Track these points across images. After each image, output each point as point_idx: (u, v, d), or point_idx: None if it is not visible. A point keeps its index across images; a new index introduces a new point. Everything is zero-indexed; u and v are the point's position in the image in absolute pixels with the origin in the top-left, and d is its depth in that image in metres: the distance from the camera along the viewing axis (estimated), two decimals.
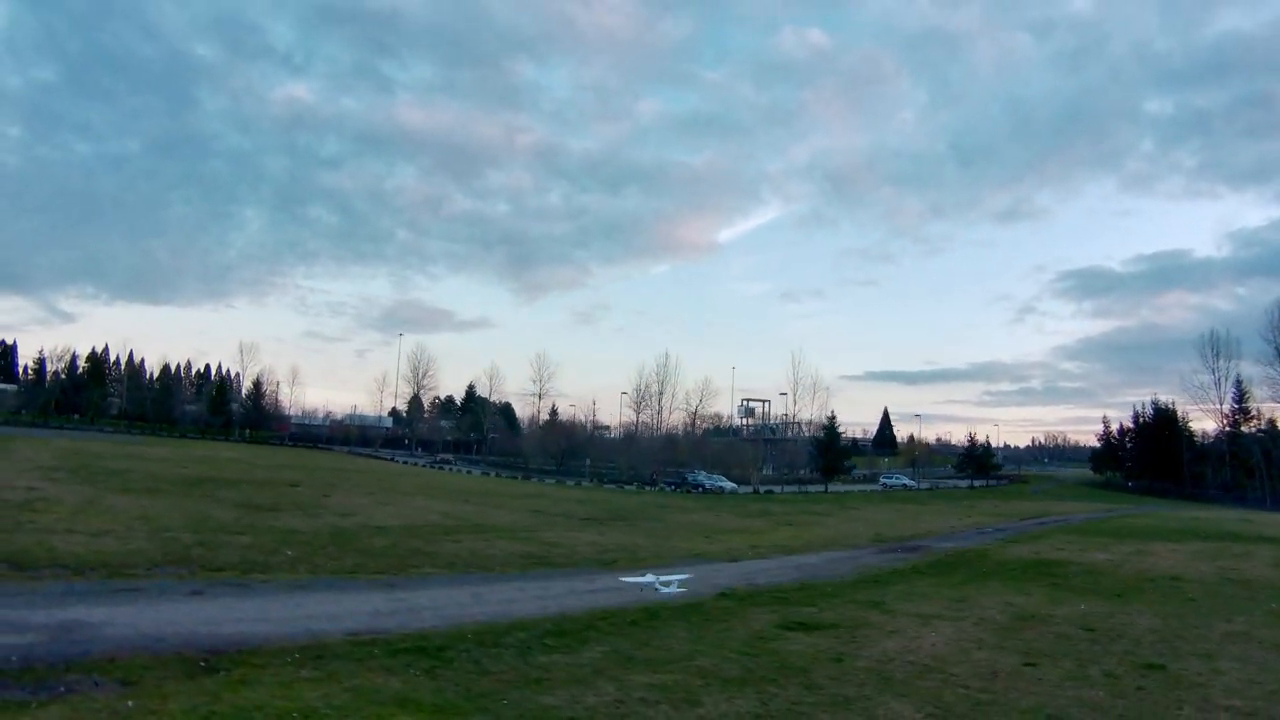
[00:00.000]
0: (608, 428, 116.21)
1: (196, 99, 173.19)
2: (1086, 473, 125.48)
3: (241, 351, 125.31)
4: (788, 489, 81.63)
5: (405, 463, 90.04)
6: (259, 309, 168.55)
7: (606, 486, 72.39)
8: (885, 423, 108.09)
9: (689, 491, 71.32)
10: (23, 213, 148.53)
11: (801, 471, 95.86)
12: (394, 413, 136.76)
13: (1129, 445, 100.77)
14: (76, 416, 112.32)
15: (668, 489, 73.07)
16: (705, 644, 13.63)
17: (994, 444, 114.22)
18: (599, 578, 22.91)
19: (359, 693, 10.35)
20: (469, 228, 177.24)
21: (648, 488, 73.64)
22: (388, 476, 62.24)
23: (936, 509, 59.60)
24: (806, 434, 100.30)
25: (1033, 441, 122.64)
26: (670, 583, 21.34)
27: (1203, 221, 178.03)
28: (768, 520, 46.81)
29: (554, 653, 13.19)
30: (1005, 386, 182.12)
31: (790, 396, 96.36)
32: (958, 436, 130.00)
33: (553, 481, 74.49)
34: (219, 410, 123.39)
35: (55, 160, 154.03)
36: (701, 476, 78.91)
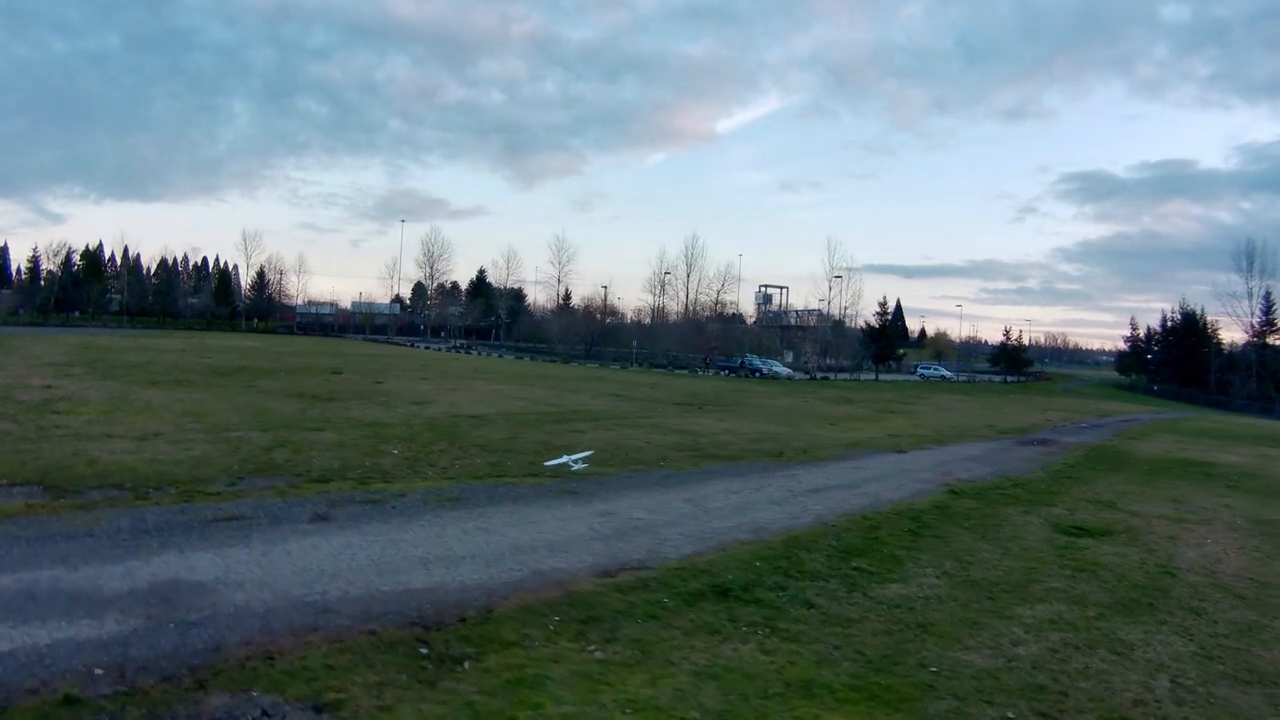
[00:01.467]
0: (620, 314, 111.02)
1: None
2: (1105, 374, 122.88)
3: (245, 239, 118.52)
4: (840, 376, 79.68)
5: (427, 348, 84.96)
6: (251, 202, 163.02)
7: (655, 370, 69.66)
8: (898, 314, 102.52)
9: (747, 376, 68.39)
10: (4, 115, 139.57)
11: (836, 360, 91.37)
12: (398, 299, 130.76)
13: (1156, 349, 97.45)
14: (77, 314, 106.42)
15: (722, 374, 70.10)
16: (1015, 555, 11.61)
17: (988, 340, 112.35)
18: (782, 472, 19.06)
19: (720, 679, 6.33)
20: (463, 117, 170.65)
21: (700, 372, 71.38)
22: (427, 361, 57.32)
23: (1007, 401, 56.14)
24: (846, 322, 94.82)
25: (1031, 341, 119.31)
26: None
27: (1212, 132, 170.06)
28: (864, 407, 43.25)
29: (880, 578, 9.78)
30: (1003, 285, 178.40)
31: (826, 284, 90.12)
32: (954, 332, 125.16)
33: (596, 365, 70.17)
34: (224, 300, 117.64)
35: (33, 59, 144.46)
36: (757, 361, 75.86)
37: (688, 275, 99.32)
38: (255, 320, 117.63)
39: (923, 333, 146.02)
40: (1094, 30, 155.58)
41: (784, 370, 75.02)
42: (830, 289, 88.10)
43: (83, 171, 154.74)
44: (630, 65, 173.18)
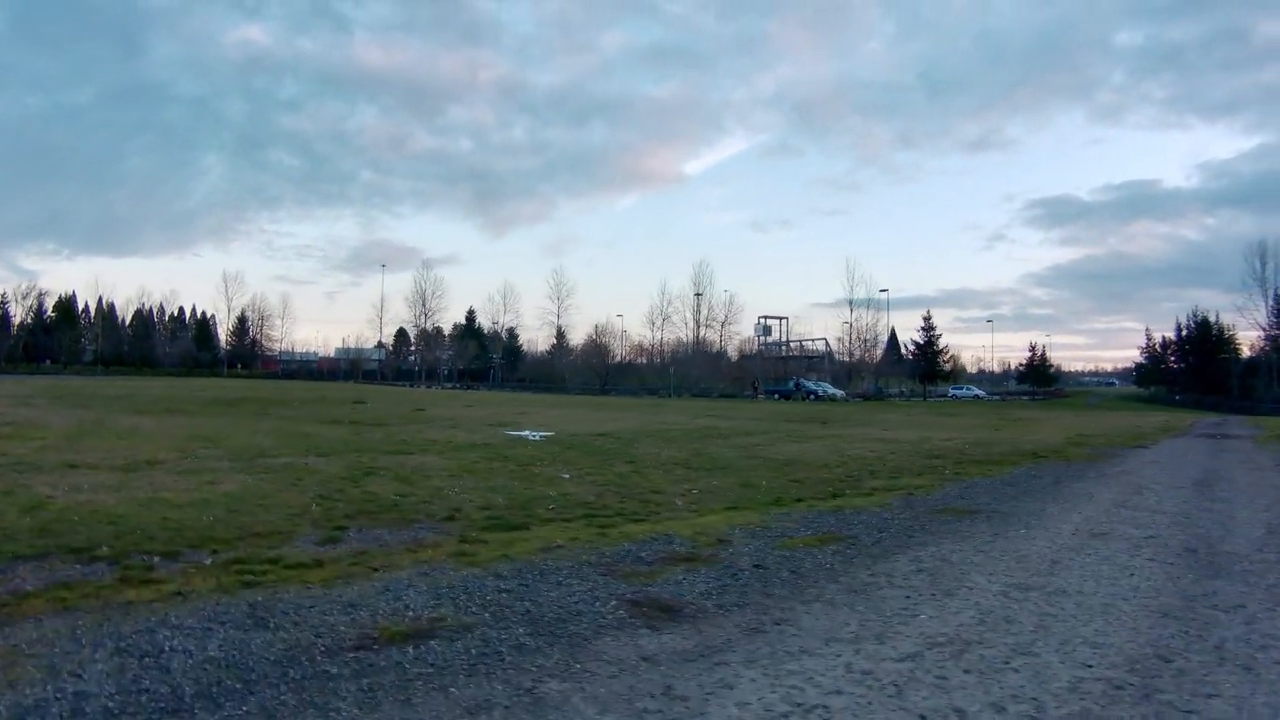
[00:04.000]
0: (613, 352, 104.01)
1: (148, 44, 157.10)
2: (1124, 388, 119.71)
3: (225, 282, 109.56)
4: (889, 396, 76.99)
5: (428, 388, 77.09)
6: (225, 255, 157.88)
7: (699, 398, 64.98)
8: (893, 343, 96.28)
9: (803, 399, 63.71)
10: None
11: (861, 384, 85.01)
12: (380, 344, 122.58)
13: (1173, 359, 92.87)
14: (48, 362, 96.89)
15: (774, 398, 65.74)
16: None
17: (970, 369, 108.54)
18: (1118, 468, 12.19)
19: None
20: (433, 165, 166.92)
21: (754, 397, 67.25)
22: (443, 397, 48.99)
23: (1073, 415, 50.60)
24: (865, 346, 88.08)
25: (1006, 366, 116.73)
26: None
27: (1172, 152, 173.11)
28: (969, 419, 41.16)
29: None
30: (975, 313, 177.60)
31: (848, 308, 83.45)
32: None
33: (630, 397, 63.37)
34: (205, 347, 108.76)
35: (7, 114, 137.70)
36: (811, 384, 70.69)
37: (696, 305, 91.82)
38: (238, 367, 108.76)
39: (952, 356, 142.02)
40: (1052, 60, 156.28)
41: (838, 392, 68.69)
42: (852, 312, 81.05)
43: (56, 227, 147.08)
44: (597, 109, 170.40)
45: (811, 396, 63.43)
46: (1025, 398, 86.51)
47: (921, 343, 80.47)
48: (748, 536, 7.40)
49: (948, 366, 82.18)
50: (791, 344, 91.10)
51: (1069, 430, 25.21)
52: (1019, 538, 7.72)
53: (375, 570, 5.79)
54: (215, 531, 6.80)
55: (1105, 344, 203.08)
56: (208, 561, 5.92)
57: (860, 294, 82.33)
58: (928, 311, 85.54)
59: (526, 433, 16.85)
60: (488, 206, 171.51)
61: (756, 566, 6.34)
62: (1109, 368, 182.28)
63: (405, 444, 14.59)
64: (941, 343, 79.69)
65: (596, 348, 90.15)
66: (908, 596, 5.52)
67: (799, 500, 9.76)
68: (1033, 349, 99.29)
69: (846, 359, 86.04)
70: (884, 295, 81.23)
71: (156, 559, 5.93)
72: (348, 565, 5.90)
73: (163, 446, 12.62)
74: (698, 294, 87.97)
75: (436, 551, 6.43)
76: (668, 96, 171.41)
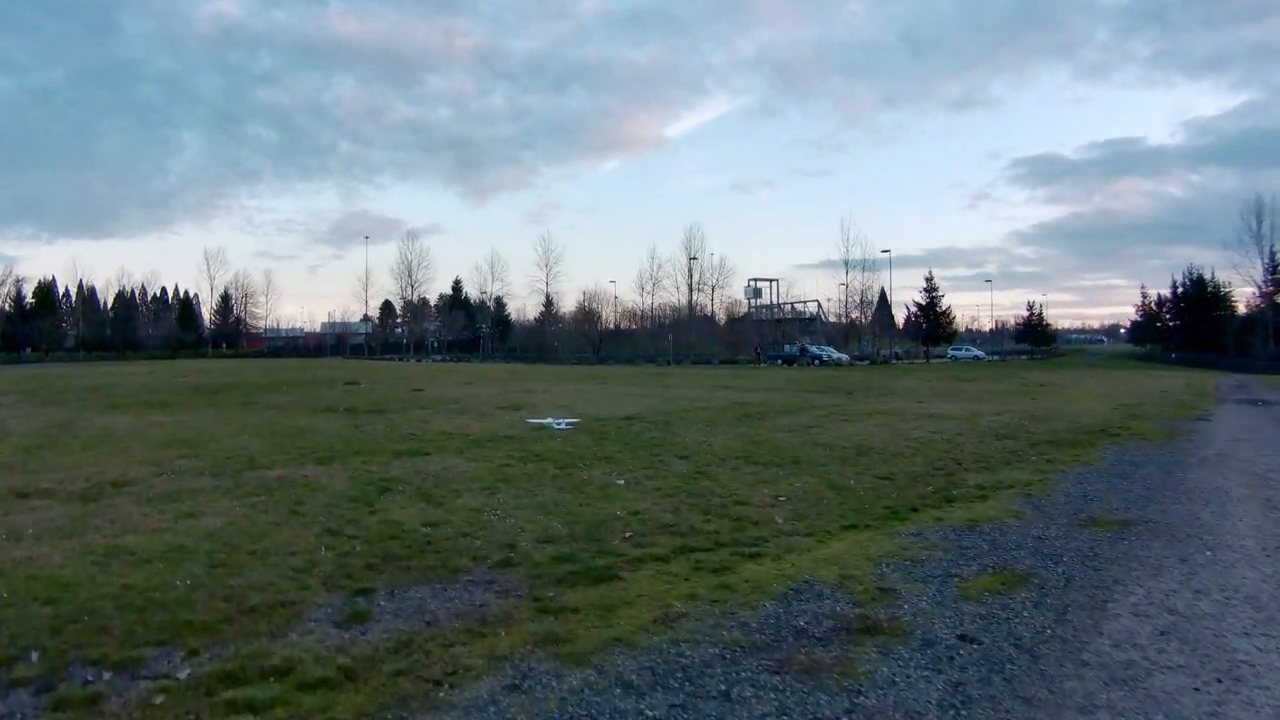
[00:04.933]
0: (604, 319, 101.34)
1: (119, 23, 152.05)
2: (1116, 346, 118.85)
3: (208, 260, 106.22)
4: (895, 360, 73.83)
5: (418, 361, 74.89)
6: (205, 233, 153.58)
7: (703, 366, 62.46)
8: (883, 304, 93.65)
9: (809, 364, 61.27)
10: None
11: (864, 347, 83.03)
12: (366, 318, 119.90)
13: (1169, 317, 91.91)
14: (29, 350, 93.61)
15: (777, 363, 63.16)
16: None
17: (959, 328, 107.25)
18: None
19: None
20: (413, 135, 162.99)
21: (757, 363, 64.71)
22: (438, 371, 46.95)
23: (1088, 375, 46.65)
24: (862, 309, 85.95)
25: (998, 325, 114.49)
26: None
27: (1157, 110, 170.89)
28: (989, 384, 41.30)
29: None
30: (961, 271, 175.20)
31: (835, 269, 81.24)
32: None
33: (628, 365, 61.50)
34: (189, 327, 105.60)
35: None
36: (815, 349, 67.63)
37: (690, 269, 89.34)
38: (223, 346, 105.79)
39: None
40: (1035, 19, 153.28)
41: (843, 356, 67.06)
42: (847, 273, 78.70)
43: (33, 211, 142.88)
44: (576, 75, 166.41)
45: (816, 361, 61.68)
46: (1024, 357, 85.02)
47: (924, 304, 78.11)
48: (906, 578, 5.54)
49: (950, 328, 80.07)
50: (783, 306, 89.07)
51: (1104, 397, 23.43)
52: (1210, 562, 6.15)
53: (434, 684, 3.72)
54: (194, 608, 4.80)
55: (1092, 301, 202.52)
56: (182, 676, 3.89)
57: (855, 255, 79.72)
58: (929, 272, 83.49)
59: (549, 420, 14.78)
60: (468, 175, 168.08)
61: (964, 639, 4.38)
62: (1096, 325, 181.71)
63: (415, 440, 12.50)
64: (944, 303, 77.24)
65: (587, 315, 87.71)
66: (1196, 689, 3.77)
67: (914, 510, 7.87)
68: (1030, 308, 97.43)
69: (840, 321, 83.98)
70: (885, 255, 78.82)
71: (107, 674, 3.88)
72: (391, 676, 3.84)
73: (135, 459, 10.49)
74: (692, 258, 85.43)
75: (512, 634, 4.43)
76: (647, 60, 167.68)
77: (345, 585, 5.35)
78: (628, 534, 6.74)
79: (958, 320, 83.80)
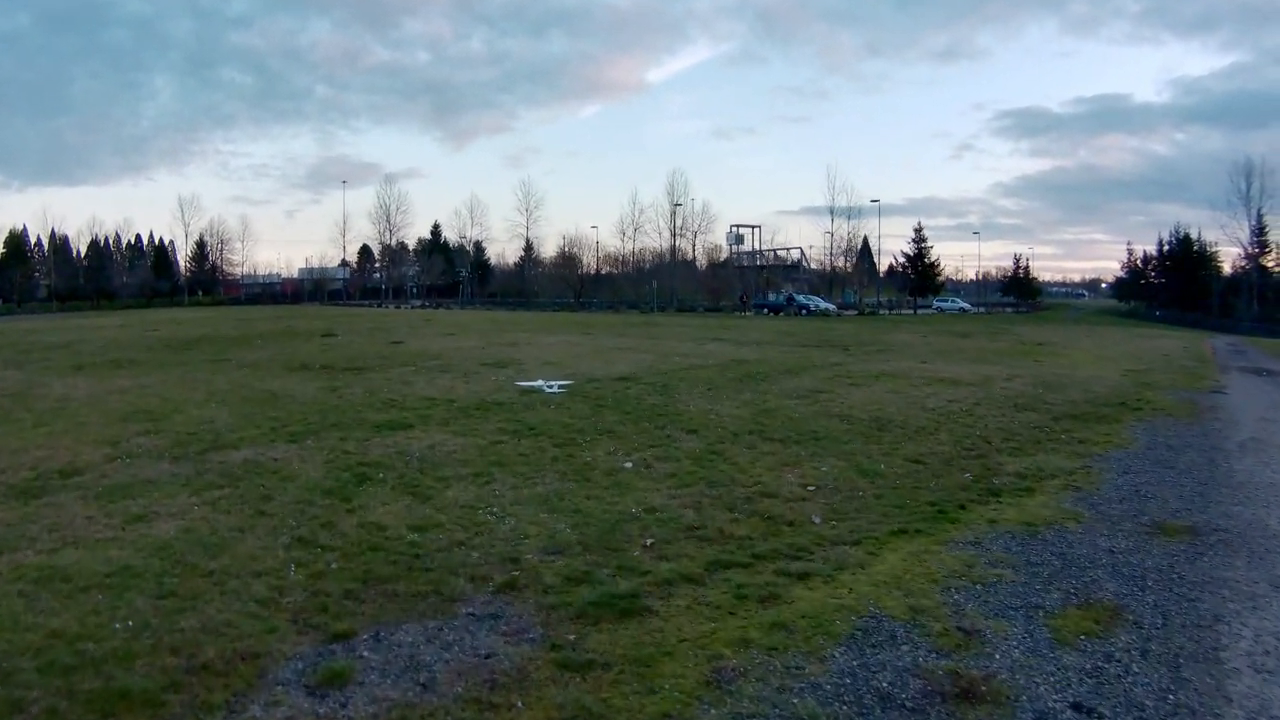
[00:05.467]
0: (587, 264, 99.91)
1: None
2: (1098, 301, 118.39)
3: (182, 206, 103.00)
4: (883, 311, 73.30)
5: (396, 307, 73.10)
6: (180, 179, 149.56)
7: (692, 314, 61.60)
8: (866, 252, 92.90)
9: (796, 314, 60.14)
10: None
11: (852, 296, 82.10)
12: (345, 263, 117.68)
13: (1154, 275, 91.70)
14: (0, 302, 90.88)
15: (764, 312, 62.19)
16: None
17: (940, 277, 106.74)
18: None
19: None
20: (390, 79, 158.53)
21: (743, 312, 63.99)
22: (418, 319, 45.44)
23: (1082, 332, 46.16)
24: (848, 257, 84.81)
25: (983, 276, 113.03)
26: None
27: (1145, 67, 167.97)
28: (983, 340, 42.02)
29: None
30: (943, 221, 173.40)
31: (815, 216, 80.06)
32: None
33: (611, 312, 60.44)
34: (164, 275, 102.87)
35: None
36: (802, 299, 66.91)
37: (673, 214, 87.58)
38: (199, 294, 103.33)
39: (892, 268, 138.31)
40: None
41: (830, 306, 66.55)
42: (833, 221, 77.41)
43: (3, 159, 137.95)
44: (556, 18, 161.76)
45: (804, 311, 60.64)
46: (1009, 310, 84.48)
47: (912, 254, 76.88)
48: (984, 610, 4.83)
49: (940, 279, 79.08)
50: (765, 253, 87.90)
51: (1107, 361, 22.72)
52: None
53: None
54: (134, 666, 3.92)
55: (1073, 255, 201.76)
56: None
57: (841, 203, 78.23)
58: (918, 222, 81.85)
59: (539, 382, 13.73)
60: (446, 119, 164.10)
61: (1079, 710, 3.57)
62: (1077, 278, 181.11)
63: (397, 408, 11.46)
64: (933, 254, 76.13)
65: (568, 260, 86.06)
66: None
67: (961, 508, 7.02)
68: (1016, 261, 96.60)
69: (824, 269, 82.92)
70: (872, 204, 77.43)
71: None
72: None
73: (89, 437, 9.41)
74: (677, 204, 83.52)
75: (532, 707, 3.41)
76: (628, 4, 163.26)
77: (319, 624, 4.36)
78: (648, 541, 5.78)
79: (944, 271, 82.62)
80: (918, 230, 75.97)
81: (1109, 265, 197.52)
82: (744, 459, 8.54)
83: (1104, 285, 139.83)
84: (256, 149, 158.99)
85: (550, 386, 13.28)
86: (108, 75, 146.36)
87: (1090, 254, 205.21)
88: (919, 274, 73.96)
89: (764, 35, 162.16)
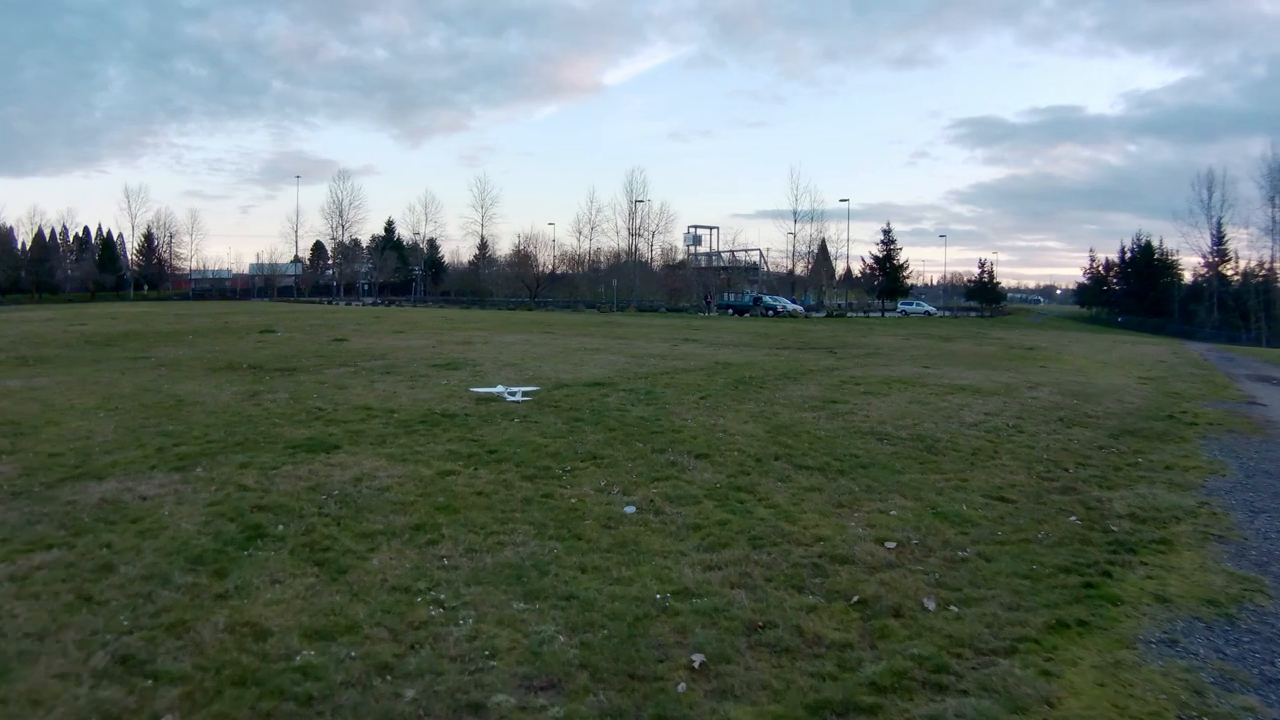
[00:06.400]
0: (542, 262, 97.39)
1: None
2: (1055, 306, 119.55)
3: (129, 197, 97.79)
4: (852, 314, 71.65)
5: (347, 304, 69.42)
6: (133, 171, 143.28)
7: (655, 314, 59.07)
8: (823, 256, 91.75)
9: (763, 315, 58.15)
10: None
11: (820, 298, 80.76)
12: (298, 259, 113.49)
13: (1115, 281, 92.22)
14: None
15: (728, 313, 60.27)
16: None
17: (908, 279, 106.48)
18: None
19: None
20: (347, 75, 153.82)
21: (706, 312, 62.52)
22: (366, 316, 42.32)
23: (1065, 338, 44.48)
24: (805, 261, 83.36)
25: (948, 280, 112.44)
26: None
27: (1099, 79, 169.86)
28: (969, 344, 41.58)
29: None
30: (899, 227, 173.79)
31: (772, 219, 78.68)
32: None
33: (569, 311, 57.87)
34: (110, 269, 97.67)
35: None
36: (769, 299, 64.56)
37: (634, 212, 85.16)
38: (146, 288, 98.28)
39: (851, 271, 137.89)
40: None
41: (798, 307, 64.67)
42: (795, 222, 75.74)
43: None
44: (515, 18, 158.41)
45: (771, 312, 58.67)
46: (973, 314, 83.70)
47: (880, 255, 75.36)
48: None
49: (907, 281, 77.77)
50: (722, 255, 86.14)
51: (1113, 367, 20.85)
52: None
53: None
54: None
55: (1026, 261, 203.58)
56: None
57: (804, 206, 76.54)
58: (887, 223, 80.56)
59: (500, 388, 11.20)
60: (403, 117, 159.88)
61: None
62: (1031, 284, 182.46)
63: (324, 420, 8.94)
64: (901, 256, 74.66)
65: (523, 258, 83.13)
66: None
67: (1106, 575, 5.02)
68: (982, 266, 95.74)
69: (783, 271, 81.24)
70: (830, 207, 75.73)
71: None
72: None
73: None
74: (638, 201, 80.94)
75: None
76: (587, 6, 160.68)
77: None
78: (694, 658, 3.35)
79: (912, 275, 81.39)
80: (886, 232, 74.44)
81: (1063, 272, 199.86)
82: (782, 497, 6.17)
83: (1059, 291, 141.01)
84: (211, 143, 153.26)
85: (513, 394, 10.78)
86: (60, 64, 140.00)
87: (1044, 261, 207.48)
88: (887, 275, 72.27)
89: (722, 39, 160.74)
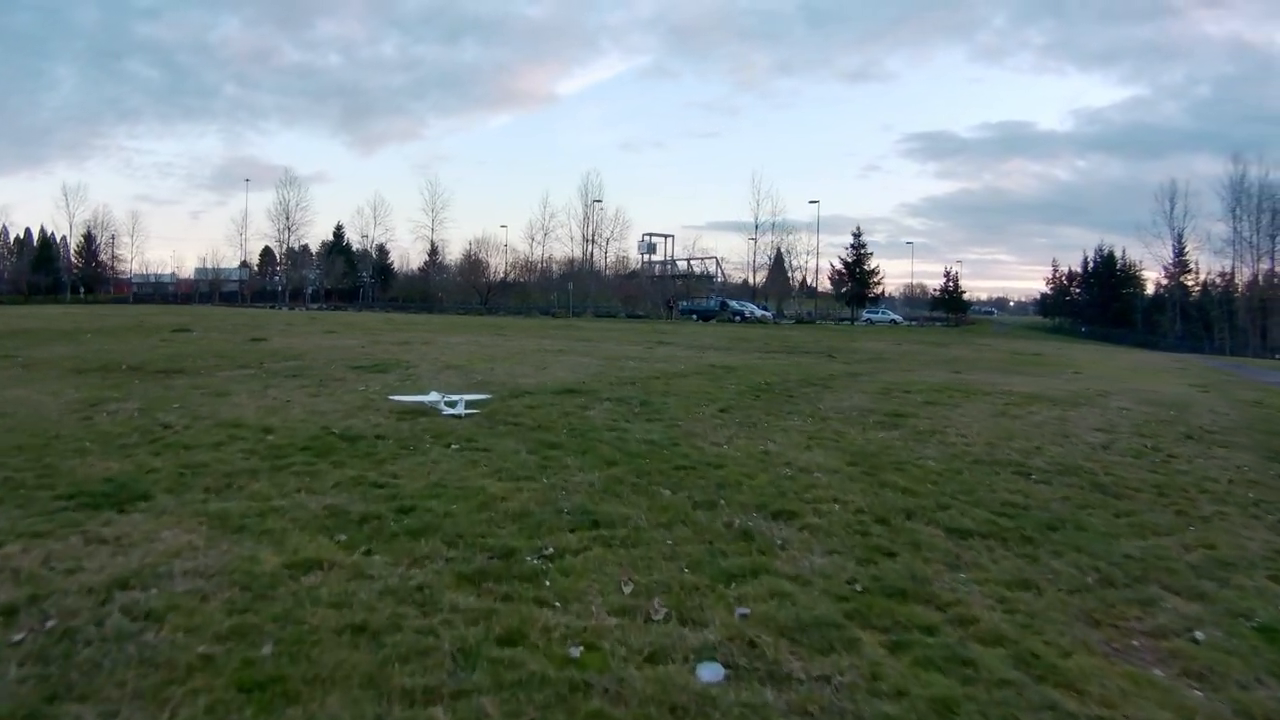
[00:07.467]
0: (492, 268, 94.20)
1: None
2: (1011, 317, 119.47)
3: (66, 195, 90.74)
4: (822, 321, 68.61)
5: (292, 309, 64.40)
6: (81, 173, 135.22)
7: (614, 319, 55.20)
8: (779, 265, 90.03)
9: (732, 320, 55.11)
10: None
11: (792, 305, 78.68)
12: (245, 264, 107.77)
13: (1079, 292, 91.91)
14: None
15: (694, 319, 56.20)
16: None
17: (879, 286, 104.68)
18: None
19: None
20: (300, 80, 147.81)
21: (670, 316, 58.58)
22: (302, 320, 37.79)
23: (1077, 350, 41.96)
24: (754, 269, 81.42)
25: (912, 290, 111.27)
26: None
27: (1049, 96, 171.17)
28: (964, 349, 39.66)
29: None
30: (849, 239, 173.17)
31: (753, 223, 76.15)
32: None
33: (522, 316, 54.33)
34: (45, 268, 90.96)
35: None
36: (736, 305, 61.49)
37: (589, 215, 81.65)
38: (83, 291, 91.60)
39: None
40: None
41: (766, 313, 61.33)
42: (757, 230, 73.14)
43: None
44: (469, 27, 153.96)
45: (739, 318, 55.73)
46: (939, 324, 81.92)
47: (850, 261, 72.48)
48: None
49: (878, 289, 75.16)
50: (677, 263, 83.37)
51: (1151, 375, 17.99)
52: None
53: None
54: None
55: (978, 274, 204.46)
56: None
57: (765, 213, 73.88)
58: (857, 227, 77.15)
59: (433, 396, 7.53)
60: (357, 124, 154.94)
61: None
62: (983, 296, 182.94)
63: (156, 446, 5.75)
64: (871, 262, 72.09)
65: (474, 264, 78.97)
66: None
67: None
68: (947, 275, 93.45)
69: (739, 280, 78.76)
70: (792, 216, 73.24)
71: None
72: None
73: None
74: (596, 200, 77.40)
75: None
76: (542, 15, 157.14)
77: None
78: None
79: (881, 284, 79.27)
80: (856, 235, 71.47)
81: (1015, 285, 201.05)
82: (982, 606, 2.89)
83: (1011, 304, 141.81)
84: (162, 146, 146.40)
85: (452, 404, 7.13)
86: (7, 60, 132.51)
87: (995, 274, 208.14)
88: (856, 281, 69.42)
89: (677, 50, 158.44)
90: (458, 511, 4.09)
